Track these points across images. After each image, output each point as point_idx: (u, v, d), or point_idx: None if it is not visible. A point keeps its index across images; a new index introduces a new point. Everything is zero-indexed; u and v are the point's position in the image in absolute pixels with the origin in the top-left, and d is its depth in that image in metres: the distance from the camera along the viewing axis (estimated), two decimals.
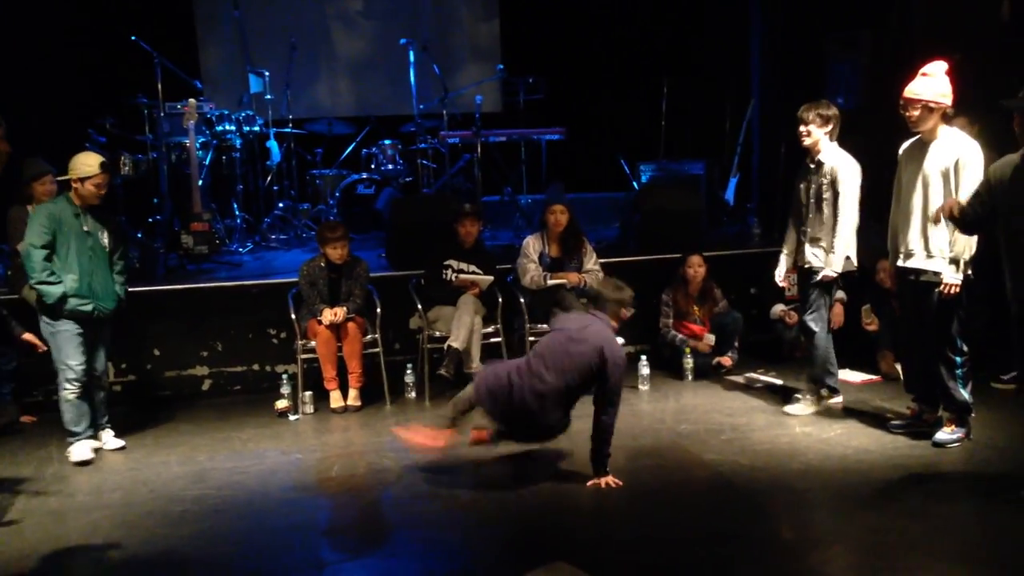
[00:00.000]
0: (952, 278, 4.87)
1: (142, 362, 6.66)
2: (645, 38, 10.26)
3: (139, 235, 7.58)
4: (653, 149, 9.62)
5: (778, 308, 7.01)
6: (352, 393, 6.27)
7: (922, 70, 4.95)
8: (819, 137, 5.45)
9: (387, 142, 9.02)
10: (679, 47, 10.14)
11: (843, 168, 5.43)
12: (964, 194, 4.77)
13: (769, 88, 8.83)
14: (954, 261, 4.87)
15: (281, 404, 6.18)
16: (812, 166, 5.55)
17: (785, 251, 5.81)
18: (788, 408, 5.80)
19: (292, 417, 6.14)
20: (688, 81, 9.74)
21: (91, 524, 4.55)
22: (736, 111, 9.46)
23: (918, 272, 5.02)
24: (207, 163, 8.29)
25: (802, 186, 5.63)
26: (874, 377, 6.40)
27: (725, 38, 9.75)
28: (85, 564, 4.20)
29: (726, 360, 6.80)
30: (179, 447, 5.66)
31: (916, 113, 4.89)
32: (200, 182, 7.68)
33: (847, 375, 6.23)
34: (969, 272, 4.90)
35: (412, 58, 8.92)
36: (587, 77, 10.23)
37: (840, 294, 6.55)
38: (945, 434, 5.08)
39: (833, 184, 5.43)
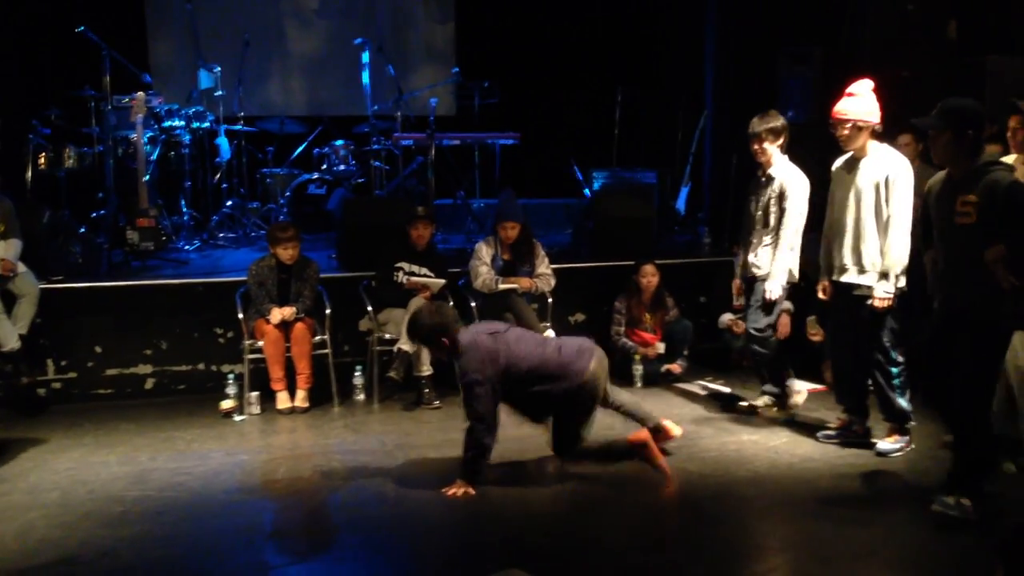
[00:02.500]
0: (882, 292, 4.94)
1: (83, 359, 6.49)
2: (600, 46, 10.34)
3: (82, 230, 7.40)
4: (606, 157, 9.68)
5: (726, 317, 7.07)
6: (300, 394, 6.19)
7: (848, 89, 5.06)
8: (772, 152, 5.55)
9: (339, 142, 8.94)
10: (634, 56, 10.23)
11: (791, 182, 5.51)
12: (893, 208, 4.89)
13: (722, 100, 8.94)
14: (884, 275, 4.94)
15: (226, 404, 6.08)
16: (763, 179, 5.64)
17: (738, 262, 5.90)
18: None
19: (238, 418, 6.04)
20: (642, 90, 9.82)
21: (27, 524, 4.42)
22: (688, 121, 9.56)
23: (851, 287, 5.09)
24: (154, 158, 8.13)
25: (752, 198, 5.73)
26: (819, 387, 6.47)
27: (680, 49, 9.87)
28: (20, 565, 4.06)
29: (675, 368, 6.84)
30: (120, 447, 5.53)
31: (846, 132, 5.00)
32: (147, 177, 7.52)
33: (792, 384, 6.29)
34: (902, 285, 4.96)
35: (367, 58, 8.86)
36: (542, 83, 10.26)
37: (787, 304, 6.62)
38: (888, 444, 5.16)
39: (781, 198, 5.52)
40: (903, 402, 5.13)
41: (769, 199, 5.58)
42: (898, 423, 5.17)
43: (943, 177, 4.41)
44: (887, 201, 4.94)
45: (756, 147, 5.55)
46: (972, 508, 4.27)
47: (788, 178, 5.52)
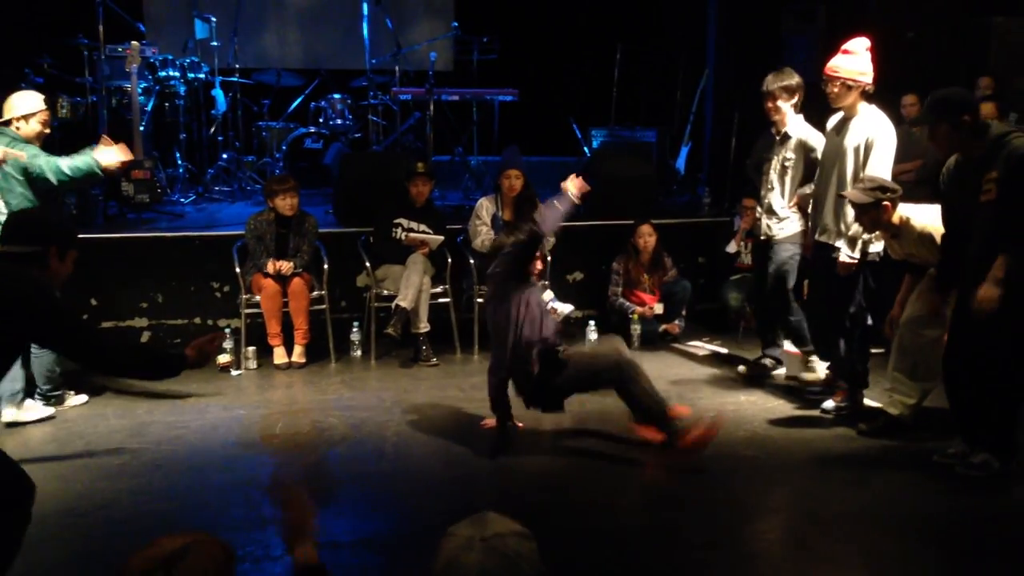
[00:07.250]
0: (846, 256, 4.86)
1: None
2: (601, 2, 10.18)
3: None
4: (605, 115, 9.59)
5: (733, 245, 7.05)
6: (297, 350, 6.17)
7: (844, 46, 4.93)
8: (787, 111, 5.39)
9: (336, 96, 8.83)
10: (635, 13, 10.09)
11: (813, 139, 5.37)
12: (870, 171, 4.76)
13: (724, 58, 8.85)
14: (851, 240, 4.85)
15: (223, 359, 6.02)
16: (778, 138, 5.50)
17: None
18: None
19: (234, 372, 6.02)
20: (642, 48, 9.71)
21: None
22: (689, 80, 9.46)
23: (829, 247, 5.00)
24: (149, 109, 8.03)
25: (765, 158, 5.58)
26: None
27: (681, 7, 9.73)
28: None
29: (673, 328, 6.84)
30: (116, 399, 5.51)
31: (835, 90, 4.88)
32: (141, 128, 7.43)
33: (789, 346, 6.29)
34: (877, 250, 4.87)
35: (365, 11, 8.73)
36: (541, 39, 10.12)
37: None
38: (832, 403, 5.19)
39: (803, 153, 5.39)
40: (860, 367, 5.10)
41: (785, 159, 5.44)
42: (850, 386, 5.16)
43: (954, 162, 4.31)
44: (864, 164, 4.82)
45: (769, 105, 5.40)
46: (999, 465, 4.29)
47: (808, 136, 5.37)
